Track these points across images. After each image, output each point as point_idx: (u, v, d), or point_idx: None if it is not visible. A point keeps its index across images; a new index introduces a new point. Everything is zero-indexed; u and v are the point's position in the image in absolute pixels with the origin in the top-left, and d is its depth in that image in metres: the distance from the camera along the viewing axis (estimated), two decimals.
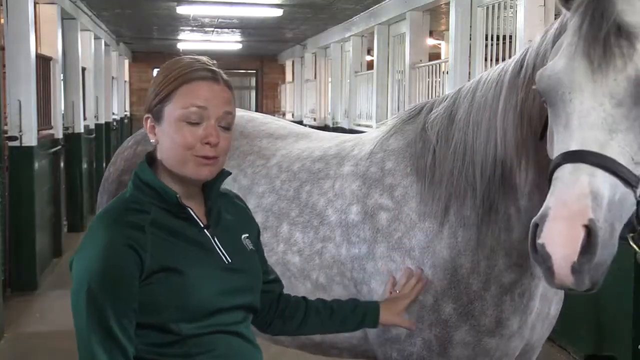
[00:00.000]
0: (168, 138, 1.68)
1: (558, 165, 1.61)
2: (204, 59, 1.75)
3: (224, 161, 1.74)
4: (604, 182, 1.55)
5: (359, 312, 2.10)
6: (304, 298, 2.08)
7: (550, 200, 1.58)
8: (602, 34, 1.63)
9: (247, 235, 1.87)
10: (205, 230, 1.74)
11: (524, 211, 2.07)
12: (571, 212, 1.52)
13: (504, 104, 2.04)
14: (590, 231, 1.51)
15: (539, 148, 1.94)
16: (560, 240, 1.53)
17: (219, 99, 1.70)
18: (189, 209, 1.71)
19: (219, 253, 1.73)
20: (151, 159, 1.76)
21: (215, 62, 1.77)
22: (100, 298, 1.56)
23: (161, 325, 1.64)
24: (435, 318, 2.16)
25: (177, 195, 1.68)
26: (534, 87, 1.82)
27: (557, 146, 1.67)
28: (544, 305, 2.26)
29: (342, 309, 2.09)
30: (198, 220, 1.73)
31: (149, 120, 1.73)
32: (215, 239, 1.74)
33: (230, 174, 1.85)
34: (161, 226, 1.66)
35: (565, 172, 1.58)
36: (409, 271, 2.20)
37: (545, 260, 1.56)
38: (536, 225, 1.59)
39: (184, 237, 1.69)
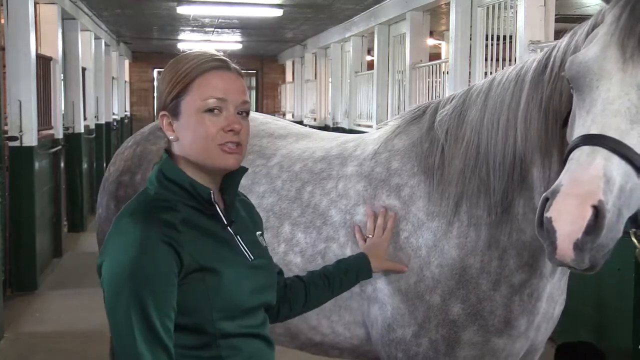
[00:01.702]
0: (189, 131, 1.66)
1: (576, 146, 1.64)
2: (212, 50, 1.75)
3: (245, 151, 1.73)
4: (619, 168, 1.58)
5: (352, 271, 2.13)
6: (298, 277, 2.07)
7: (563, 178, 1.61)
8: None
9: (260, 232, 1.88)
10: (229, 228, 1.73)
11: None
12: (582, 191, 1.55)
13: (527, 101, 2.04)
14: (598, 212, 1.54)
15: (564, 144, 1.94)
16: (567, 216, 1.56)
17: (235, 88, 1.69)
18: (217, 206, 1.70)
19: (243, 250, 1.73)
20: (169, 155, 1.73)
21: (222, 52, 1.76)
22: (143, 297, 1.52)
23: (194, 327, 1.61)
24: (443, 318, 2.15)
25: (211, 192, 1.67)
26: (562, 73, 1.84)
27: (577, 130, 1.70)
28: (550, 306, 2.26)
29: (336, 274, 2.10)
30: (223, 218, 1.72)
31: (164, 118, 1.70)
32: (238, 236, 1.74)
33: (247, 169, 1.84)
34: (192, 225, 1.63)
35: (582, 154, 1.61)
36: (372, 214, 2.26)
37: (549, 234, 1.59)
38: (546, 200, 1.62)
39: (212, 235, 1.67)
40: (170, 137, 1.70)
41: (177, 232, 1.58)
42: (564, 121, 1.92)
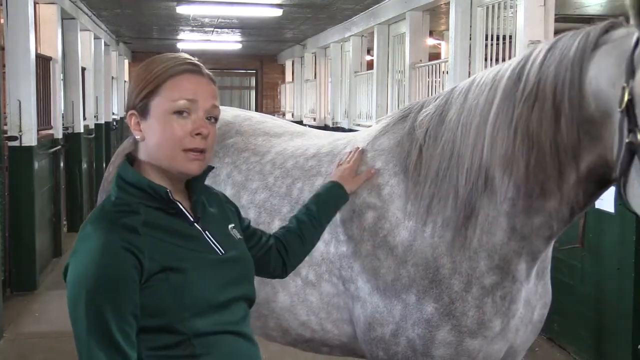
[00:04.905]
0: (156, 133, 1.65)
1: None
2: (186, 54, 1.75)
3: (211, 156, 1.72)
4: None
5: (332, 201, 2.26)
6: (286, 227, 2.16)
7: None
8: None
9: (233, 225, 1.86)
10: (195, 224, 1.71)
11: (506, 216, 2.07)
12: None
13: (496, 114, 2.03)
14: None
15: (529, 164, 1.95)
16: None
17: (206, 91, 1.69)
18: (179, 203, 1.69)
19: (211, 246, 1.72)
20: (131, 159, 1.73)
21: (196, 58, 1.76)
22: (100, 304, 1.52)
23: (166, 327, 1.61)
24: (418, 317, 2.16)
25: (168, 190, 1.66)
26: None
27: None
28: (527, 310, 2.25)
29: (320, 208, 2.23)
30: (188, 215, 1.71)
31: (133, 117, 1.69)
32: (207, 232, 1.73)
33: (213, 168, 1.84)
34: (154, 226, 1.63)
35: None
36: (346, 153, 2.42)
37: None
38: None
39: (177, 233, 1.66)
40: (137, 137, 1.69)
41: (137, 235, 1.58)
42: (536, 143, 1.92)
